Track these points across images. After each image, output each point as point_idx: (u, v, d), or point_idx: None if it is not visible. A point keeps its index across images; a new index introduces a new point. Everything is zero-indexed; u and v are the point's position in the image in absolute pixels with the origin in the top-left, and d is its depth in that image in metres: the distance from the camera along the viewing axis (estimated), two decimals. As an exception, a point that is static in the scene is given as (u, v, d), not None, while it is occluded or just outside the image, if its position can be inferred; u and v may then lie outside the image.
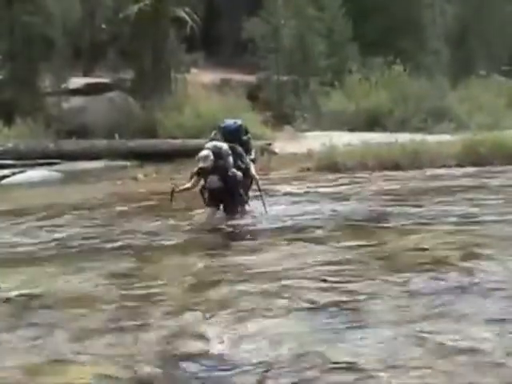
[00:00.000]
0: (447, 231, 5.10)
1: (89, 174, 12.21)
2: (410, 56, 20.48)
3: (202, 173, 5.89)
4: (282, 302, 3.49)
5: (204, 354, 2.85)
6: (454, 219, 5.62)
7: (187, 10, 18.18)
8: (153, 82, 17.60)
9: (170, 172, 11.46)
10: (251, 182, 6.34)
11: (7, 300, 3.78)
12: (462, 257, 4.21)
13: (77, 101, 17.54)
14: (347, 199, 7.18)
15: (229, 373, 2.66)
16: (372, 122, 16.89)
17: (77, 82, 18.09)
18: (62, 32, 17.11)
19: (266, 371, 2.63)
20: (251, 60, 20.69)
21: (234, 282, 3.91)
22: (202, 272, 4.28)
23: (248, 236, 5.59)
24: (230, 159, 5.95)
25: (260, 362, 2.72)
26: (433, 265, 4.05)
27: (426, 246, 4.56)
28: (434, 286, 3.63)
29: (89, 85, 18.28)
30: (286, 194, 7.91)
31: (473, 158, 9.99)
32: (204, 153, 5.85)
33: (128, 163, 13.51)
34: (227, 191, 5.95)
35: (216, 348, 2.90)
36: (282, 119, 18.75)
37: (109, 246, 5.29)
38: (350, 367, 2.64)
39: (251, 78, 21.35)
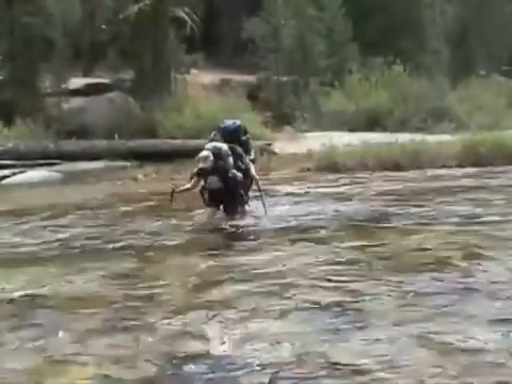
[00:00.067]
0: (450, 231, 5.10)
1: (89, 175, 12.20)
2: (410, 56, 20.45)
3: (201, 173, 5.89)
4: (285, 302, 3.49)
5: (206, 355, 2.85)
6: (456, 219, 5.62)
7: (187, 10, 18.17)
8: (153, 82, 17.57)
9: (169, 172, 11.45)
10: (251, 182, 6.34)
11: (11, 300, 3.78)
12: (464, 257, 4.21)
13: (77, 101, 17.51)
14: (349, 199, 7.18)
15: (231, 374, 2.65)
16: (372, 122, 16.86)
17: (77, 82, 18.06)
18: (62, 32, 17.06)
19: (276, 372, 2.62)
20: (251, 60, 20.67)
21: (237, 282, 3.91)
22: (204, 272, 4.28)
23: (250, 236, 5.58)
24: (230, 160, 5.95)
25: (262, 363, 2.71)
26: (435, 265, 4.06)
27: (428, 247, 4.57)
28: (436, 286, 3.64)
29: (89, 85, 18.25)
30: (286, 194, 7.91)
31: (473, 158, 9.98)
32: (204, 153, 5.85)
33: (128, 163, 13.49)
34: (227, 192, 5.95)
35: (218, 349, 2.90)
36: (282, 119, 18.73)
37: (111, 246, 5.29)
38: (353, 368, 2.64)
39: (251, 78, 21.33)
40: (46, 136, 14.89)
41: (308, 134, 15.96)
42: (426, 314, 3.21)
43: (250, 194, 6.44)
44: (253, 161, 6.42)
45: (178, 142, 14.33)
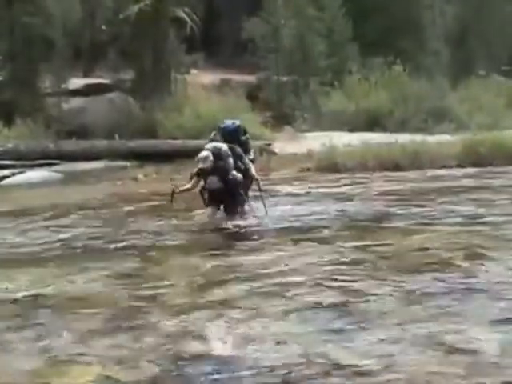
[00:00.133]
0: (452, 232, 5.11)
1: (89, 175, 12.19)
2: (410, 56, 20.44)
3: (201, 174, 5.89)
4: (288, 302, 3.49)
5: (210, 355, 2.84)
6: (458, 219, 5.63)
7: (187, 10, 18.16)
8: (153, 82, 17.57)
9: (170, 172, 11.45)
10: (251, 182, 6.34)
11: (14, 301, 3.78)
12: (467, 257, 4.22)
13: (77, 101, 17.50)
14: (350, 199, 7.19)
15: (235, 374, 2.65)
16: (372, 123, 16.85)
17: (77, 82, 18.05)
18: (62, 33, 17.05)
19: (288, 373, 2.62)
20: (251, 60, 20.67)
21: (240, 282, 3.91)
22: (206, 272, 4.27)
23: (252, 236, 5.57)
24: (230, 160, 5.94)
25: (265, 364, 2.71)
26: (438, 265, 4.06)
27: (430, 247, 4.57)
28: (439, 286, 3.64)
29: (89, 85, 18.24)
30: (287, 194, 7.91)
31: (473, 158, 9.99)
32: (203, 154, 5.85)
33: (128, 164, 13.49)
34: (227, 192, 5.95)
35: (222, 349, 2.90)
36: (281, 119, 18.73)
37: (113, 246, 5.28)
38: (355, 368, 2.64)
39: (251, 79, 21.33)
40: (46, 136, 14.88)
41: (308, 134, 15.96)
42: (428, 314, 3.21)
43: (251, 194, 6.44)
44: (252, 161, 6.43)
45: (178, 142, 14.32)
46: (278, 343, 2.92)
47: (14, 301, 3.78)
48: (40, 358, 2.90)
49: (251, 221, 6.04)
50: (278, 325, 3.16)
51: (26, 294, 3.88)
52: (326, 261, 4.34)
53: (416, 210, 6.23)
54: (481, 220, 5.53)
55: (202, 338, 3.04)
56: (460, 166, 9.81)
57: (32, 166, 12.76)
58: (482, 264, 4.06)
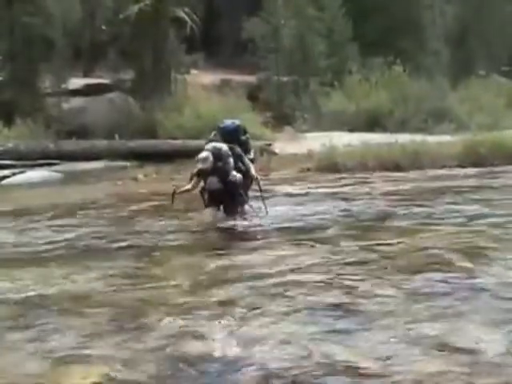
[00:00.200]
0: (454, 231, 5.10)
1: (89, 175, 12.20)
2: (410, 56, 20.48)
3: (201, 174, 5.88)
4: (290, 302, 3.48)
5: (211, 356, 2.84)
6: (460, 219, 5.62)
7: (187, 10, 18.17)
8: (153, 82, 17.58)
9: (170, 172, 11.46)
10: (251, 182, 6.33)
11: (16, 301, 3.78)
12: (469, 257, 4.21)
13: (77, 101, 17.53)
14: (350, 199, 7.18)
15: (238, 374, 2.65)
16: (372, 123, 16.86)
17: (77, 82, 18.08)
18: (62, 33, 17.08)
19: (291, 374, 2.62)
20: (251, 60, 20.69)
21: (242, 282, 3.90)
22: (208, 272, 4.27)
23: (254, 236, 5.57)
24: (231, 160, 5.91)
25: (268, 364, 2.71)
26: (440, 265, 4.06)
27: (433, 247, 4.56)
28: (442, 286, 3.64)
29: (89, 85, 18.27)
30: (287, 194, 7.91)
31: (473, 158, 10.00)
32: (203, 154, 5.84)
33: (128, 163, 13.50)
34: (227, 192, 5.93)
35: (224, 349, 2.89)
36: (282, 119, 18.75)
37: (115, 245, 5.28)
38: (356, 369, 2.64)
39: (251, 79, 21.34)
40: (46, 136, 14.90)
41: (308, 135, 15.97)
42: (432, 314, 3.21)
43: (251, 194, 6.43)
44: (252, 161, 6.42)
45: (179, 142, 14.34)
46: (282, 343, 2.92)
47: (17, 301, 3.77)
48: (43, 358, 2.90)
49: (252, 221, 6.03)
50: (281, 325, 3.16)
51: (28, 293, 3.88)
52: (328, 260, 4.33)
53: (418, 209, 6.23)
54: (483, 220, 5.53)
55: (204, 338, 3.04)
56: (460, 166, 9.82)
57: (32, 166, 12.78)
58: (485, 264, 4.06)
